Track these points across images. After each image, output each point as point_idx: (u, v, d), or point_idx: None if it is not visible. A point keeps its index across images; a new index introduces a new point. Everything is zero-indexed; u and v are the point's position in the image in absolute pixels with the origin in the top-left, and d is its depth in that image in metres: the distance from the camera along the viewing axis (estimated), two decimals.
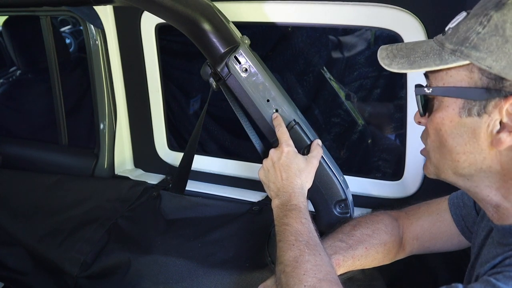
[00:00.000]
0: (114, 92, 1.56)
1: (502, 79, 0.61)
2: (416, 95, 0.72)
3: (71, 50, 3.51)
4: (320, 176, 1.07)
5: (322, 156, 1.06)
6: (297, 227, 0.88)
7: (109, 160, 1.61)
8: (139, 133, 1.61)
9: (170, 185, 1.50)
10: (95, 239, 1.34)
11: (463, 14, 0.67)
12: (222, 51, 1.02)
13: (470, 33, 0.63)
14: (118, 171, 1.63)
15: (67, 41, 3.53)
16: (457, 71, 0.65)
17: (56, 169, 1.66)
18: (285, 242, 0.86)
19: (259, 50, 1.43)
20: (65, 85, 1.70)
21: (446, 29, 0.69)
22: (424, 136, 0.77)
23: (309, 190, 1.04)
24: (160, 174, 1.61)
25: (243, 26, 1.19)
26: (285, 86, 1.32)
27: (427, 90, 0.70)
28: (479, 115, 0.64)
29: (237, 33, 1.09)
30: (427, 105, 0.72)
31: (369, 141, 1.65)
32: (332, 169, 1.08)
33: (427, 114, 0.73)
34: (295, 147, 1.02)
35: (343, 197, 1.09)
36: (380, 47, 0.77)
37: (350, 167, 1.66)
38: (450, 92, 0.66)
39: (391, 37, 1.17)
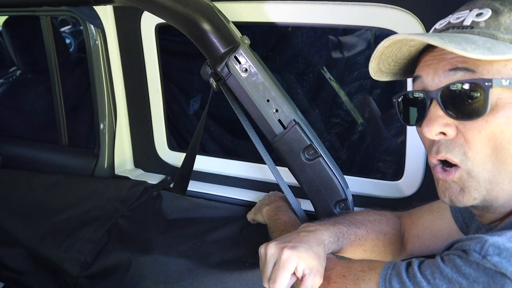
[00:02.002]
0: (114, 92, 1.56)
1: None
2: (488, 89, 0.60)
3: (71, 50, 3.51)
4: (320, 176, 1.08)
5: (322, 156, 1.06)
6: (285, 219, 1.09)
7: (109, 160, 1.61)
8: (139, 133, 1.61)
9: (172, 185, 1.50)
10: (95, 239, 1.34)
11: (486, 10, 0.64)
12: (222, 51, 1.02)
13: None
14: (118, 171, 1.63)
15: (67, 41, 3.53)
16: None
17: (56, 169, 1.66)
18: (277, 231, 1.04)
19: (259, 50, 1.43)
20: (65, 85, 1.70)
21: (468, 23, 0.64)
22: (455, 150, 0.64)
23: (309, 191, 1.04)
24: (160, 174, 1.61)
25: (243, 26, 1.19)
26: (285, 86, 1.32)
27: (505, 83, 0.59)
28: None
29: (237, 33, 1.09)
30: (487, 105, 0.60)
31: (369, 141, 1.65)
32: (332, 169, 1.08)
33: (475, 117, 0.62)
34: (295, 147, 1.03)
35: (343, 197, 1.09)
36: (402, 36, 0.64)
37: (350, 167, 1.67)
38: None
39: None
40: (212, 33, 1.00)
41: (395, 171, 1.38)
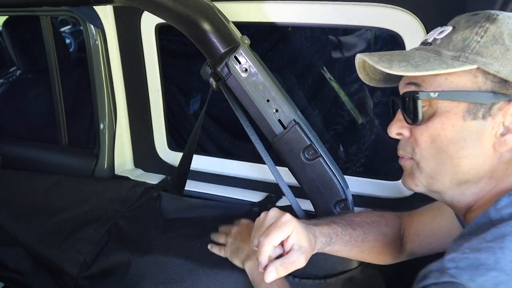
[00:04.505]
0: (114, 92, 1.56)
1: (507, 82, 0.65)
2: (417, 100, 0.69)
3: (71, 50, 3.51)
4: (320, 176, 1.08)
5: (322, 156, 1.06)
6: None
7: (109, 160, 1.61)
8: (139, 133, 1.61)
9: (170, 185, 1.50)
10: (95, 239, 1.34)
11: (448, 28, 0.70)
12: (222, 51, 1.02)
13: (469, 42, 0.66)
14: (118, 171, 1.63)
15: (67, 41, 3.54)
16: (459, 76, 0.67)
17: (56, 169, 1.66)
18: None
19: (259, 50, 1.43)
20: (65, 85, 1.70)
21: (430, 40, 0.72)
22: (408, 147, 0.75)
23: (309, 191, 1.03)
24: (160, 174, 1.61)
25: (243, 26, 1.19)
26: (285, 86, 1.32)
27: (433, 95, 0.68)
28: (484, 118, 0.66)
29: (237, 33, 1.09)
30: (418, 113, 0.70)
31: (369, 141, 1.65)
32: (332, 169, 1.08)
33: (415, 123, 0.71)
34: (295, 147, 1.03)
35: (343, 197, 1.09)
36: (360, 55, 0.74)
37: (350, 167, 1.67)
38: (457, 96, 0.67)
39: (391, 37, 1.17)
40: (212, 33, 1.00)
41: (395, 171, 1.38)
